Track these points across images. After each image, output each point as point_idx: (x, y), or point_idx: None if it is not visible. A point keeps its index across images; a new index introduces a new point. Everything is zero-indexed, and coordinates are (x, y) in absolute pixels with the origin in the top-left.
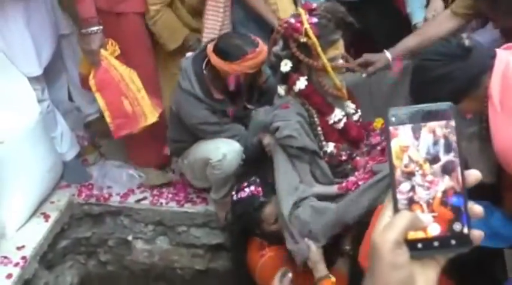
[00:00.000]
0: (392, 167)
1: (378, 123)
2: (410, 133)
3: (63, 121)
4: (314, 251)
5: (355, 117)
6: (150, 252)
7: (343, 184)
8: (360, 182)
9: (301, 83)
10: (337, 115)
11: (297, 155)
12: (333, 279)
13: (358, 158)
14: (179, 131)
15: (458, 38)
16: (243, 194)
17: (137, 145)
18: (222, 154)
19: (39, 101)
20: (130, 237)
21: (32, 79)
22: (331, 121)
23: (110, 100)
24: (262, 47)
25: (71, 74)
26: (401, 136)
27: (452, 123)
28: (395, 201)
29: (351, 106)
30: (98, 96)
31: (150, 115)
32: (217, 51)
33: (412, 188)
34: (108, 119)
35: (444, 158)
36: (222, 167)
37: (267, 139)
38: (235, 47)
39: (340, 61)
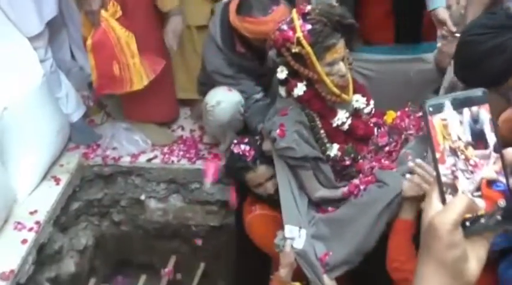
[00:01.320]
0: (434, 156)
1: (389, 116)
2: (449, 121)
3: (67, 81)
4: (288, 255)
5: (367, 110)
6: (164, 210)
7: (346, 189)
8: (361, 186)
9: (299, 90)
10: (340, 118)
11: (299, 165)
12: None
13: (362, 161)
14: (204, 73)
15: (505, 8)
16: (236, 149)
17: (137, 99)
18: (216, 101)
19: (42, 61)
20: (143, 197)
21: (34, 38)
22: (334, 125)
23: (101, 62)
24: (270, 20)
25: (72, 32)
26: (441, 125)
27: (487, 106)
28: (441, 187)
29: (361, 101)
30: (90, 55)
31: (138, 82)
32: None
33: (456, 173)
34: (93, 77)
35: (484, 141)
36: (214, 114)
37: (266, 145)
38: (248, 4)
39: (341, 64)
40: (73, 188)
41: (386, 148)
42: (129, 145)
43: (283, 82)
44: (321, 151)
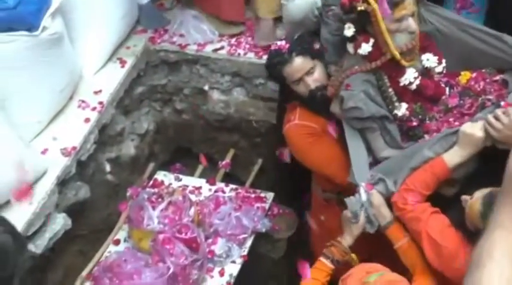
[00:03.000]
0: None
1: (464, 77)
2: None
3: None
4: (376, 195)
5: (438, 69)
6: (226, 103)
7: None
8: None
9: (365, 48)
10: (407, 78)
11: (366, 127)
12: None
13: (429, 122)
14: None
15: None
16: (273, 47)
17: None
18: None
19: None
20: (206, 87)
21: None
22: (401, 84)
23: None
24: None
25: None
26: None
27: None
28: None
29: (431, 59)
30: None
31: None
32: None
33: None
34: None
35: None
36: (288, 9)
37: (334, 107)
38: None
39: (410, 20)
40: (138, 71)
41: (455, 111)
42: (196, 34)
43: (351, 39)
44: (388, 110)
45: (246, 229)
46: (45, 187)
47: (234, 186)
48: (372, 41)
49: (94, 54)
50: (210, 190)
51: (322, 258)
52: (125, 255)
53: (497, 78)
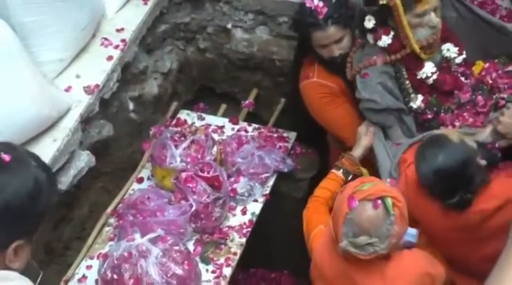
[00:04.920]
0: None
1: (477, 67)
2: None
3: None
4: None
5: (458, 60)
6: (249, 41)
7: None
8: None
9: (385, 41)
10: (425, 71)
11: (381, 121)
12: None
13: (444, 114)
14: None
15: None
16: (309, 3)
17: None
18: None
19: None
20: (229, 25)
21: None
22: (418, 77)
23: None
24: None
25: None
26: None
27: None
28: None
29: (452, 50)
30: None
31: None
32: None
33: None
34: None
35: None
36: None
37: (359, 93)
38: None
39: (432, 14)
40: (160, 9)
41: (468, 106)
42: None
43: (371, 30)
44: (404, 102)
45: (268, 168)
46: (68, 124)
47: (256, 126)
48: (392, 33)
49: None
50: (232, 129)
51: (333, 170)
52: (148, 193)
53: (510, 68)
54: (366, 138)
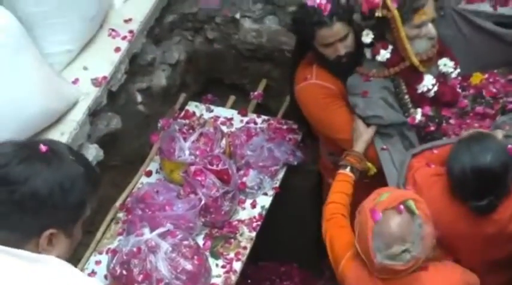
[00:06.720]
0: None
1: (476, 78)
2: None
3: None
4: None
5: (454, 75)
6: (258, 32)
7: None
8: None
9: (384, 55)
10: (426, 85)
11: (385, 133)
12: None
13: (445, 124)
14: None
15: None
16: (310, 2)
17: None
18: None
19: None
20: (238, 16)
21: None
22: (419, 91)
23: None
24: None
25: None
26: None
27: None
28: None
29: (448, 65)
30: None
31: None
32: None
33: None
34: None
35: None
36: None
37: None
38: None
39: (430, 25)
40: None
41: (471, 114)
42: None
43: (369, 45)
44: (404, 116)
45: (277, 160)
46: (76, 117)
47: (266, 117)
48: (390, 47)
49: None
50: (241, 121)
51: (340, 170)
52: (157, 187)
53: (511, 77)
54: (367, 132)
